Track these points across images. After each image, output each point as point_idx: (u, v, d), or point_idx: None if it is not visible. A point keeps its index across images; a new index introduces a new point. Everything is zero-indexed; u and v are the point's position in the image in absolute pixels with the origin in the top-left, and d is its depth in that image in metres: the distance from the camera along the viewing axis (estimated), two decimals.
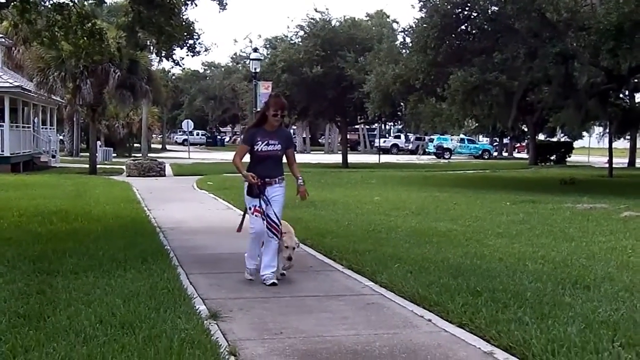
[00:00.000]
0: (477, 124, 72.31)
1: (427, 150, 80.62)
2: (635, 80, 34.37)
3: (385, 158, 64.38)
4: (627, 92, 39.04)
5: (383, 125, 77.78)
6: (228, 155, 62.09)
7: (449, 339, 6.83)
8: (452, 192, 25.08)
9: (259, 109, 42.44)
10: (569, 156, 63.50)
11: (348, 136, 62.27)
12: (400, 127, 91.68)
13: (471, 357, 6.32)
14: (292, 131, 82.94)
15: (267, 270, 9.30)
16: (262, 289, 9.05)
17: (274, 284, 9.22)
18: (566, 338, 6.49)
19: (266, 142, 9.18)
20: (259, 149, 9.18)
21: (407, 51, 35.42)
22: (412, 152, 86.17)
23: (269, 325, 7.28)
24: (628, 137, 57.67)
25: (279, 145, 9.24)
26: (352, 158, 55.51)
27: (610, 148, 40.69)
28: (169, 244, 12.42)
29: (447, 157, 73.88)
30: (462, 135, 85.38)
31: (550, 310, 7.50)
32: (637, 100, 43.39)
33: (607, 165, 39.33)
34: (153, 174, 34.70)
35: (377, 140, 78.82)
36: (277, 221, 9.22)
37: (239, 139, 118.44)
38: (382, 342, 6.69)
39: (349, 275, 10.02)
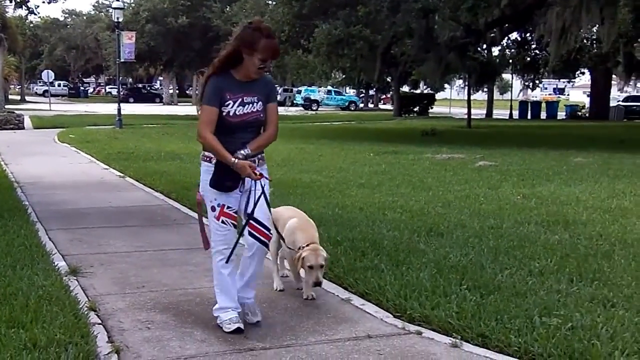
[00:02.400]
0: (343, 76, 73.14)
1: (294, 102, 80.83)
2: (492, 35, 35.38)
3: None
4: (484, 46, 40.16)
5: None
6: (92, 107, 61.09)
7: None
8: (318, 143, 25.34)
9: (123, 60, 42.60)
10: (431, 107, 65.03)
11: None
12: None
13: (329, 304, 6.50)
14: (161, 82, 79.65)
15: (246, 297, 6.04)
16: (124, 242, 8.98)
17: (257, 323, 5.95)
18: (418, 283, 6.76)
19: (240, 99, 5.65)
20: (230, 112, 5.63)
21: (273, 3, 35.36)
22: (280, 103, 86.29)
23: (131, 280, 7.26)
24: (486, 89, 59.53)
25: (259, 104, 5.72)
26: None
27: (469, 100, 41.83)
28: (28, 200, 12.12)
29: (314, 108, 74.25)
30: (329, 87, 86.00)
31: (405, 258, 7.76)
32: (494, 54, 44.84)
33: (466, 116, 40.45)
34: (11, 126, 33.17)
35: None
36: (268, 225, 5.89)
37: (103, 89, 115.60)
38: None
39: None
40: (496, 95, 70.89)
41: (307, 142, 25.70)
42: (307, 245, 6.32)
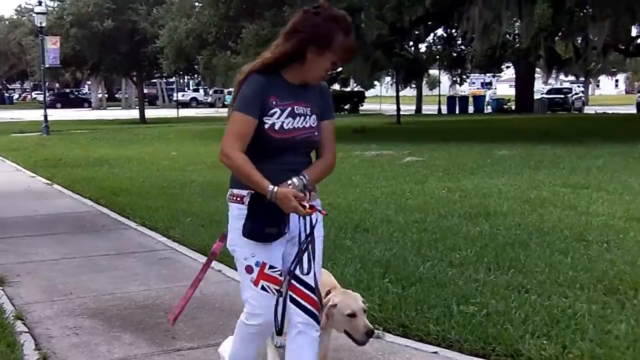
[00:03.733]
0: None
1: (225, 102, 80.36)
2: (417, 32, 35.89)
3: (185, 112, 63.80)
4: (411, 43, 40.66)
5: (181, 79, 76.84)
6: (18, 114, 59.99)
7: (237, 287, 7.00)
8: None
9: (48, 65, 41.96)
10: (362, 105, 65.51)
11: (146, 91, 61.34)
12: (198, 80, 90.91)
13: None
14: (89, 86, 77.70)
15: None
16: (52, 250, 8.98)
17: None
18: (342, 278, 6.91)
19: (289, 108, 3.98)
20: (276, 124, 3.94)
21: (200, 5, 35.31)
22: (212, 105, 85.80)
23: (59, 287, 7.30)
24: (415, 85, 60.24)
25: (313, 118, 4.06)
26: (151, 113, 54.75)
27: (397, 97, 42.35)
28: None
29: None
30: None
31: (331, 254, 7.88)
32: (421, 51, 45.41)
33: (395, 112, 40.88)
34: None
35: (175, 94, 77.87)
36: (316, 289, 4.16)
37: (29, 96, 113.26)
38: (173, 295, 6.87)
39: (142, 232, 10.13)
40: (426, 91, 71.86)
41: None
42: (329, 292, 4.43)
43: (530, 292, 6.36)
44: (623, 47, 39.12)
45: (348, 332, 4.38)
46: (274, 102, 3.89)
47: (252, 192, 3.91)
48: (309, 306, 4.07)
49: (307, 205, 3.82)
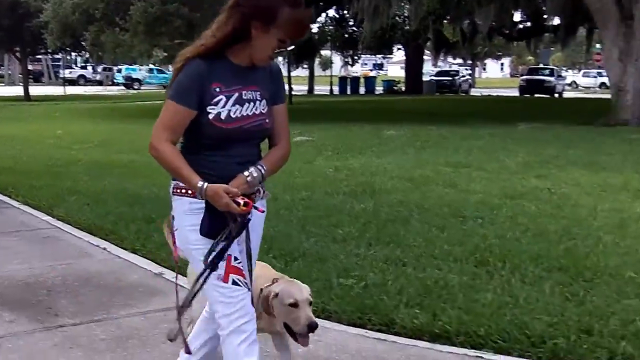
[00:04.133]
0: (165, 54, 72.08)
1: (115, 80, 78.97)
2: None
3: (72, 90, 61.95)
4: None
5: (68, 55, 74.90)
6: None
7: (122, 265, 7.16)
8: (138, 123, 24.91)
9: None
10: None
11: (30, 67, 59.52)
12: (86, 57, 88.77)
13: (142, 279, 6.69)
14: None
15: None
16: None
17: None
18: None
19: (236, 94, 3.52)
20: (222, 113, 3.48)
21: None
22: (100, 82, 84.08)
23: None
24: (306, 66, 60.35)
25: (263, 103, 3.61)
26: (36, 90, 52.99)
27: (289, 77, 42.39)
28: None
29: (136, 87, 72.95)
30: (151, 66, 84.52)
31: None
32: (313, 31, 45.60)
33: (287, 93, 40.96)
34: None
35: (62, 71, 75.85)
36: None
37: None
38: (56, 273, 6.85)
39: (24, 210, 9.97)
40: (319, 71, 71.91)
41: (126, 122, 25.47)
42: (273, 283, 4.05)
43: (407, 265, 6.64)
44: (507, 32, 40.27)
45: (288, 326, 3.94)
46: (217, 89, 3.41)
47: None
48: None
49: (242, 202, 3.32)
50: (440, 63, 66.12)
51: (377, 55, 73.10)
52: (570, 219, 8.63)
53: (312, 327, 3.85)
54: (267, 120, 3.54)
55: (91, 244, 7.96)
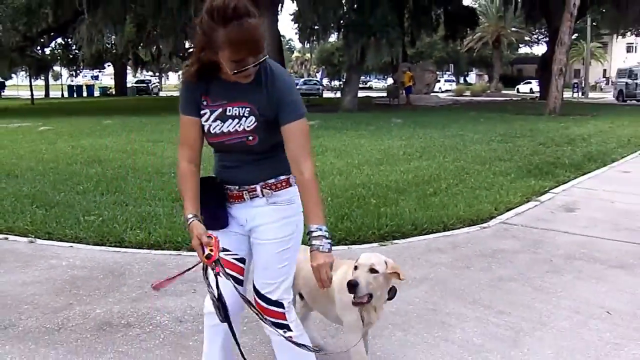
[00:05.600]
0: None
1: None
2: (42, 40, 33.29)
3: None
4: (38, 48, 37.29)
5: None
6: None
7: None
8: None
9: None
10: (3, 91, 58.25)
11: None
12: None
13: None
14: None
15: None
16: None
17: None
18: (2, 208, 6.55)
19: (219, 109, 2.24)
20: (206, 127, 2.27)
21: None
22: None
23: None
24: (43, 77, 55.11)
25: (251, 119, 2.20)
26: None
27: (30, 85, 38.67)
28: None
29: None
30: None
31: None
32: (47, 53, 41.97)
33: (29, 96, 37.25)
34: None
35: None
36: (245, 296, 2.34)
37: None
38: None
39: None
40: (52, 81, 65.89)
41: None
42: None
43: (128, 205, 6.63)
44: (182, 54, 39.97)
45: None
46: (205, 103, 2.28)
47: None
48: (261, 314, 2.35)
49: (206, 252, 2.16)
50: (138, 75, 63.61)
51: (94, 69, 68.36)
52: None
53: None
54: (250, 138, 2.24)
55: None
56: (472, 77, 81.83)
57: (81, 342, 3.43)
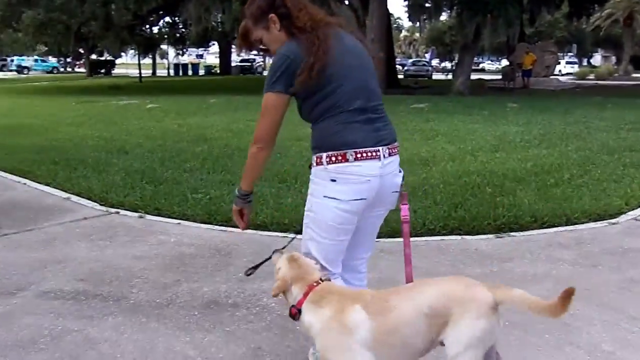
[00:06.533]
0: (47, 48, 66.58)
1: (9, 68, 71.99)
2: (151, 19, 34.83)
3: None
4: (147, 26, 39.14)
5: None
6: None
7: (39, 194, 6.86)
8: (32, 98, 23.23)
9: None
10: (113, 69, 61.95)
11: None
12: None
13: (56, 202, 6.46)
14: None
15: None
16: None
17: None
18: (114, 182, 6.99)
19: None
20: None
21: None
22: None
23: None
24: (150, 56, 57.98)
25: None
26: None
27: (139, 63, 40.71)
28: None
29: (26, 73, 66.91)
30: (35, 57, 77.71)
31: (104, 168, 7.87)
32: (154, 32, 44.01)
33: (138, 74, 39.29)
34: None
35: None
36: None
37: None
38: None
39: None
40: (158, 59, 69.26)
41: (24, 97, 23.48)
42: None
43: (235, 184, 6.69)
44: None
45: None
46: None
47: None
48: None
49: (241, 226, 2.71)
50: (242, 54, 65.28)
51: (200, 48, 71.05)
52: None
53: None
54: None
55: (14, 181, 7.52)
56: (596, 59, 77.15)
57: (189, 319, 3.57)
